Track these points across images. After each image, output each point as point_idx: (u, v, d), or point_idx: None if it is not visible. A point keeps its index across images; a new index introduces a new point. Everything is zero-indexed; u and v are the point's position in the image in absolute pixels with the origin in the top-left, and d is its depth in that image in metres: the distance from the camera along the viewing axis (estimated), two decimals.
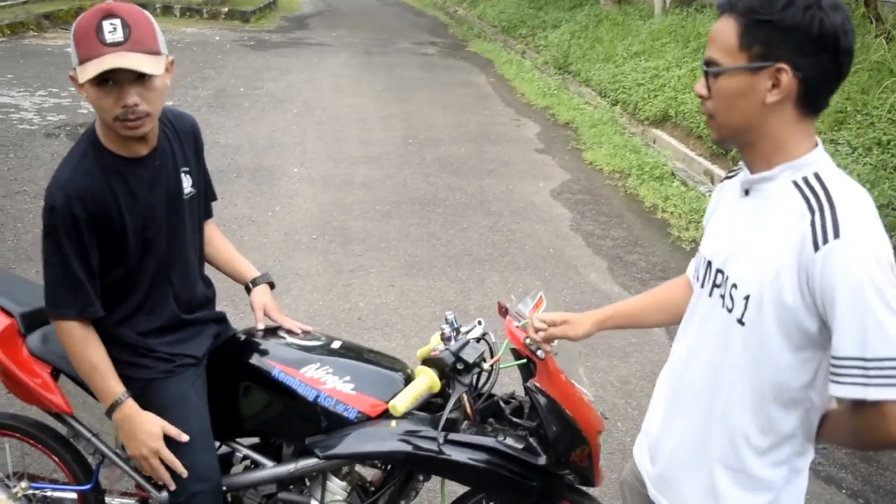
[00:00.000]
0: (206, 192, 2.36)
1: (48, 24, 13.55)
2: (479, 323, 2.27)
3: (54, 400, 2.30)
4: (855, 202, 1.44)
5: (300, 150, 7.82)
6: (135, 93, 1.90)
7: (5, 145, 7.17)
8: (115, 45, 1.85)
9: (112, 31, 1.86)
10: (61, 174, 2.01)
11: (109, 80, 1.88)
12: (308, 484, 2.33)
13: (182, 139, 2.19)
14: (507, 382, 3.12)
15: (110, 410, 2.10)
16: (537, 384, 2.09)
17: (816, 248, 1.40)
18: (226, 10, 17.59)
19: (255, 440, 2.42)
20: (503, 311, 2.20)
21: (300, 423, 2.23)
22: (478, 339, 2.21)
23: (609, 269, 5.62)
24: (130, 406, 2.09)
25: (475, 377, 2.23)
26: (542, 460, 2.11)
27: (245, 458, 2.35)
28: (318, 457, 2.19)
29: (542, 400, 2.09)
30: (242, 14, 17.37)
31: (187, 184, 2.18)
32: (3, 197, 5.97)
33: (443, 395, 2.20)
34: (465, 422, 2.19)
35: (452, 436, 2.12)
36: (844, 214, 1.41)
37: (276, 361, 2.25)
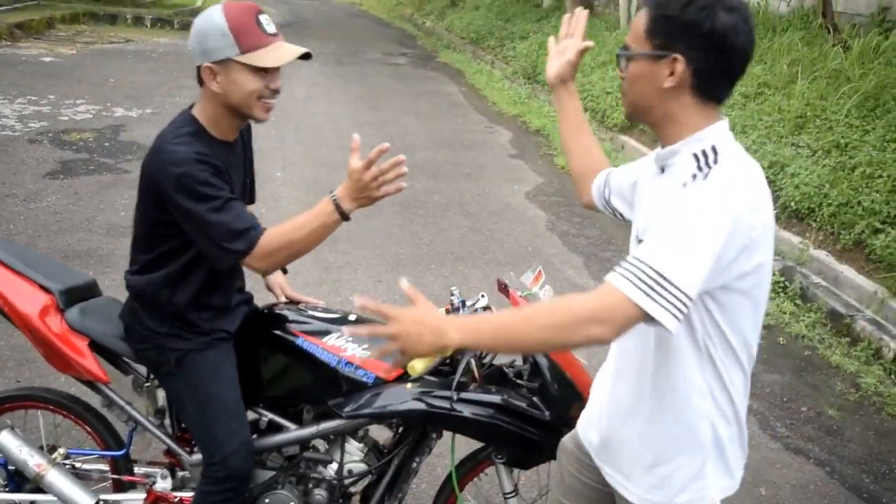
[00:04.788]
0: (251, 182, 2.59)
1: (21, 34, 13.49)
2: (483, 296, 2.49)
3: (91, 368, 2.45)
4: (737, 165, 1.60)
5: (280, 156, 8.00)
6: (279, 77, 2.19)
7: None
8: (275, 36, 2.16)
9: (268, 24, 2.15)
10: (178, 150, 2.11)
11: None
12: (328, 447, 2.53)
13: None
14: None
15: (341, 214, 2.21)
16: None
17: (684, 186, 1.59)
18: None
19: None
20: (503, 288, 2.43)
21: (323, 387, 2.43)
22: (483, 309, 2.44)
23: (585, 265, 5.89)
24: (340, 192, 2.20)
25: None
26: (545, 416, 2.34)
27: (270, 422, 2.54)
28: (341, 416, 2.39)
29: (543, 361, 2.34)
30: None
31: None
32: None
33: (451, 364, 2.43)
34: (473, 384, 2.41)
35: (463, 395, 2.34)
36: (720, 170, 1.58)
37: (300, 332, 2.45)
